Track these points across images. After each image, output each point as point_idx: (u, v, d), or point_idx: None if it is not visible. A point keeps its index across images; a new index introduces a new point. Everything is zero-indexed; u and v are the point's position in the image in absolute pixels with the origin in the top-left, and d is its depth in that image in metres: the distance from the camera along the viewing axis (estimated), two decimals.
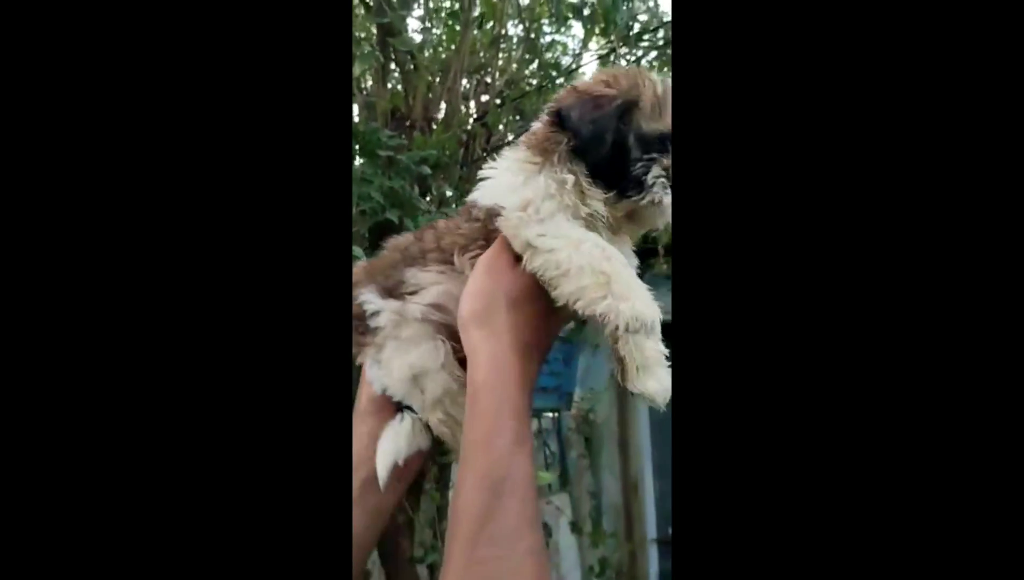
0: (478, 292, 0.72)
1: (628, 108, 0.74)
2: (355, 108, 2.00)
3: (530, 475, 0.65)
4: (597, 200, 0.74)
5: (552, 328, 0.76)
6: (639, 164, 0.73)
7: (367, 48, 1.67)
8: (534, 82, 3.00)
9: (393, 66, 2.28)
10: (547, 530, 2.02)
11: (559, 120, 0.76)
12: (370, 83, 2.13)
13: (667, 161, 0.73)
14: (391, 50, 1.99)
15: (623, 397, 3.73)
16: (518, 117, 2.76)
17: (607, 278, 0.66)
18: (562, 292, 0.68)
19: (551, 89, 2.82)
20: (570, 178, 0.73)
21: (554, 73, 2.66)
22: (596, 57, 2.78)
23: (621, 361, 0.68)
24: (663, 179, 0.72)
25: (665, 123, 0.74)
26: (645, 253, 2.97)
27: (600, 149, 0.73)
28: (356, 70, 1.59)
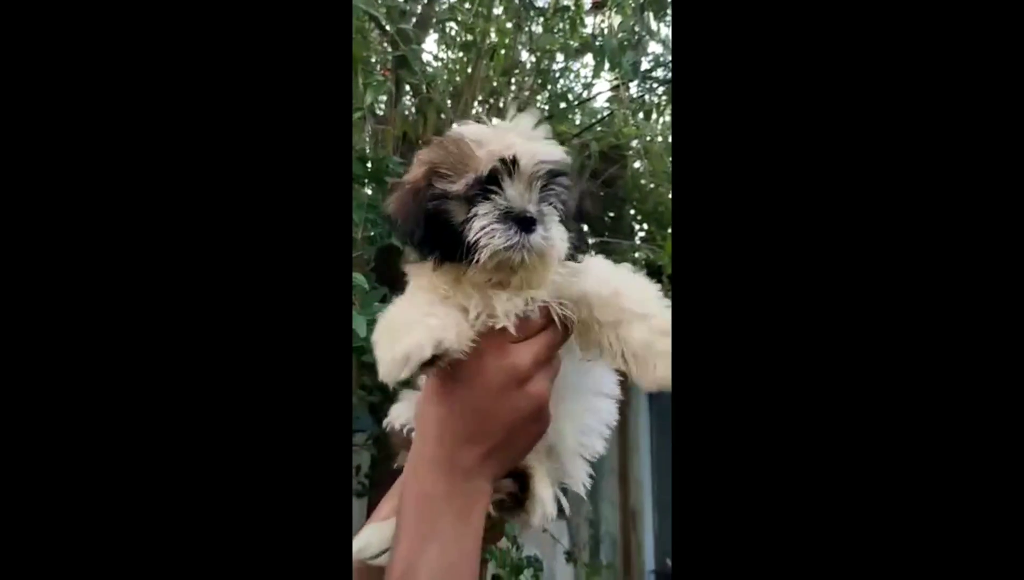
0: (423, 389, 0.76)
1: (426, 184, 0.72)
2: (366, 135, 2.03)
3: (436, 572, 0.65)
4: (446, 280, 0.72)
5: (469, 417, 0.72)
6: (464, 225, 0.69)
7: (380, 77, 1.69)
8: (546, 108, 3.03)
9: (407, 88, 2.31)
10: (540, 565, 1.99)
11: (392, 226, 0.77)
12: (382, 110, 2.16)
13: (502, 200, 0.68)
14: (404, 79, 2.02)
15: (624, 428, 3.70)
16: None
17: (388, 326, 0.68)
18: (375, 354, 0.68)
19: (562, 118, 2.85)
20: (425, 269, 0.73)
21: (564, 103, 2.68)
22: (610, 87, 2.81)
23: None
24: (490, 227, 0.67)
25: (474, 168, 0.69)
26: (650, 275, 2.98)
27: (415, 236, 0.73)
28: (368, 98, 1.61)
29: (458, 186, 0.70)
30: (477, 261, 0.67)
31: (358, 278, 1.32)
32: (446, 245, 0.70)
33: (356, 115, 1.56)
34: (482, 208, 0.68)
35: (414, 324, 0.65)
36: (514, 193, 0.68)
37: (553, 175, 0.70)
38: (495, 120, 0.76)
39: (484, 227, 0.67)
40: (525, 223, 0.67)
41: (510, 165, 0.68)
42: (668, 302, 0.71)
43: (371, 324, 1.34)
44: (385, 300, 1.43)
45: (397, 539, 0.68)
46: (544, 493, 0.82)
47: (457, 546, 0.67)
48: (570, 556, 3.11)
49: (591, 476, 0.88)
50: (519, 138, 0.70)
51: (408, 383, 0.81)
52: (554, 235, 0.68)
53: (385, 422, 0.88)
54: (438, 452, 0.69)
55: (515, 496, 0.80)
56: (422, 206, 0.71)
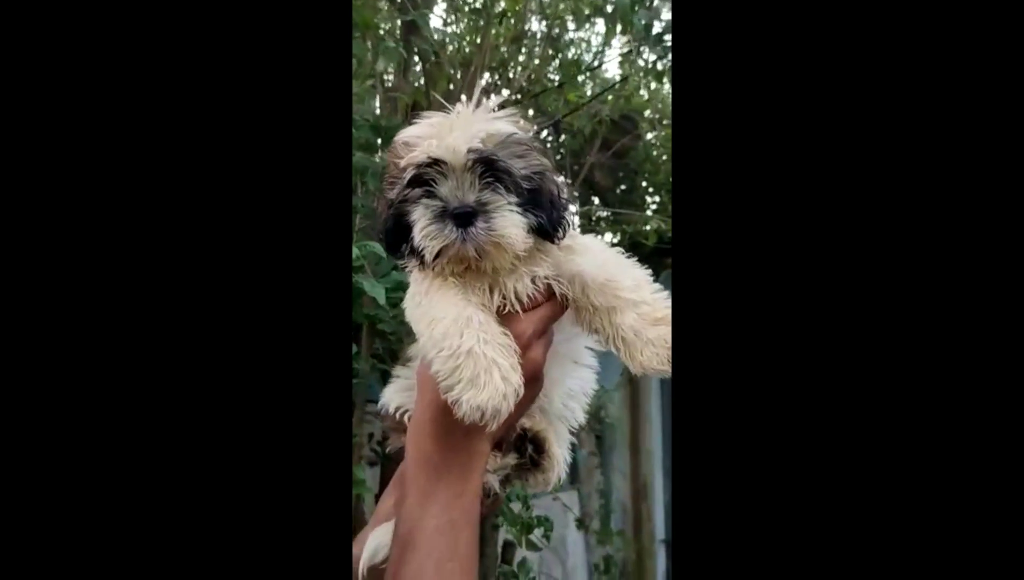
0: (421, 355, 0.78)
1: (392, 184, 0.72)
2: (377, 102, 2.02)
3: (437, 529, 0.69)
4: (428, 274, 0.73)
5: None
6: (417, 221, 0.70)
7: (391, 43, 1.68)
8: (556, 78, 3.00)
9: (416, 59, 2.29)
10: (550, 525, 2.02)
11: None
12: (392, 78, 2.14)
13: (432, 200, 0.69)
14: (414, 45, 2.00)
15: (636, 399, 3.72)
16: (538, 113, 2.76)
17: (456, 361, 0.65)
18: (432, 370, 0.68)
19: (573, 87, 2.82)
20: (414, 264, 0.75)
21: (575, 70, 2.65)
22: (619, 55, 2.77)
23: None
24: (427, 229, 0.68)
25: (411, 160, 0.69)
26: (661, 252, 2.97)
27: (385, 242, 0.75)
28: (380, 65, 1.60)
29: (394, 193, 0.71)
30: (429, 262, 0.69)
31: (374, 246, 1.32)
32: (412, 248, 0.71)
33: (367, 83, 1.55)
34: (417, 210, 0.69)
35: (479, 358, 0.65)
36: (446, 190, 0.68)
37: (488, 163, 0.69)
38: (444, 112, 0.73)
39: (422, 229, 0.68)
40: (461, 218, 0.67)
41: (436, 165, 0.68)
42: (658, 286, 0.74)
43: (388, 291, 1.35)
44: (397, 268, 1.43)
45: (401, 504, 0.72)
46: (559, 453, 0.87)
47: (458, 503, 0.71)
48: (580, 523, 3.16)
49: (598, 446, 0.92)
50: (453, 130, 0.69)
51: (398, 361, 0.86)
52: (500, 224, 0.68)
53: (380, 404, 0.88)
54: (439, 416, 0.71)
55: (532, 458, 0.84)
56: (389, 214, 0.73)
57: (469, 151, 0.68)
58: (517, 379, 0.66)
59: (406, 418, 0.81)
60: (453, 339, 0.66)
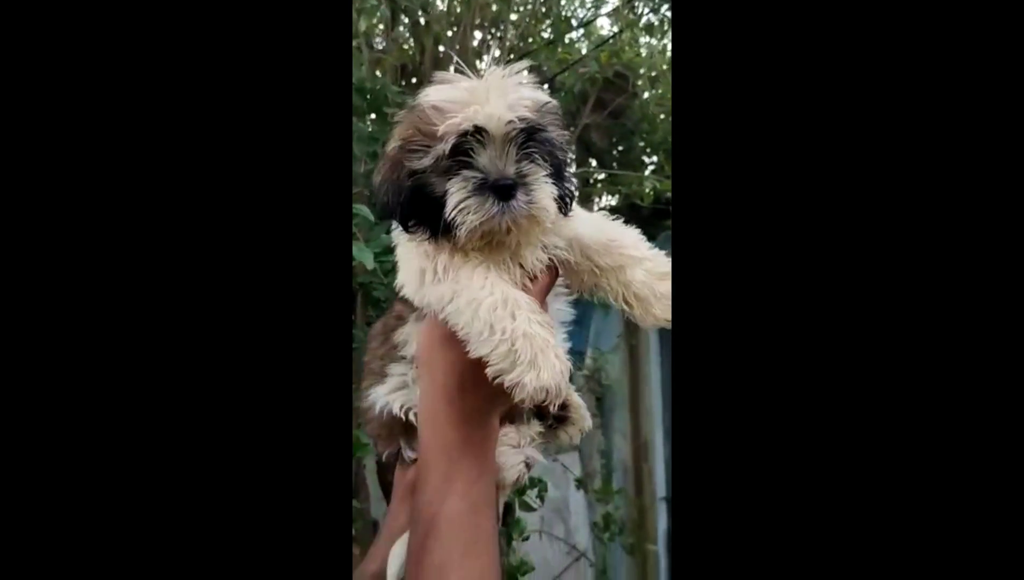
0: (422, 338, 0.77)
1: (401, 161, 0.69)
2: (362, 64, 1.97)
3: (460, 512, 0.69)
4: (440, 249, 0.70)
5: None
6: (442, 201, 0.66)
7: (373, 1, 1.63)
8: (549, 35, 2.92)
9: (403, 18, 2.23)
10: (544, 486, 2.04)
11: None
12: (378, 38, 2.08)
13: (475, 170, 0.65)
14: (401, 3, 1.95)
15: (634, 360, 3.74)
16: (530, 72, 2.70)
17: (512, 344, 0.63)
18: (477, 353, 0.65)
19: (566, 45, 2.75)
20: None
21: (567, 27, 2.58)
22: (612, 9, 2.70)
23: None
24: (465, 202, 0.65)
25: (439, 141, 0.66)
26: (658, 213, 2.94)
27: (397, 214, 0.71)
28: (362, 25, 1.55)
29: (426, 161, 0.67)
30: (459, 238, 0.66)
31: (362, 209, 1.30)
32: (431, 221, 0.67)
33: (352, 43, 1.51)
34: (455, 183, 0.65)
35: (535, 339, 0.63)
36: (486, 160, 0.65)
37: (530, 133, 0.66)
38: (467, 76, 0.70)
39: (459, 203, 0.65)
40: (503, 191, 0.64)
41: (477, 134, 0.65)
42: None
43: (377, 256, 1.33)
44: (389, 232, 1.42)
45: (421, 489, 0.72)
46: (579, 400, 0.90)
47: (477, 486, 0.72)
48: (580, 483, 3.20)
49: (598, 407, 0.93)
50: (491, 96, 0.65)
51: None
52: (539, 196, 0.66)
53: (372, 404, 0.84)
54: (456, 399, 0.72)
55: (558, 417, 0.86)
56: (402, 184, 0.69)
57: (511, 122, 0.65)
58: (565, 356, 0.66)
59: (411, 415, 0.80)
60: (505, 322, 0.64)
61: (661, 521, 3.78)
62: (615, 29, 2.80)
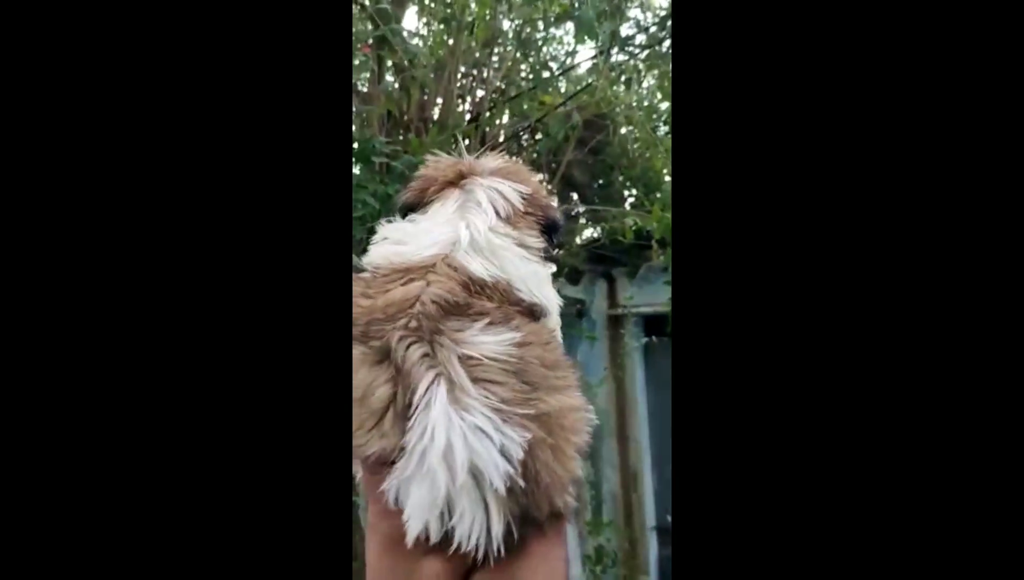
0: None
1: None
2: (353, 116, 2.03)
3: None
4: None
5: None
6: None
7: (362, 56, 1.69)
8: (530, 77, 3.02)
9: (389, 64, 2.30)
10: None
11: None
12: (364, 89, 2.15)
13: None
14: (386, 57, 2.02)
15: (621, 391, 3.77)
16: (512, 115, 2.78)
17: None
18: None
19: (547, 89, 2.84)
20: None
21: (547, 72, 2.68)
22: (592, 56, 2.80)
23: None
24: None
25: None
26: (641, 247, 3.00)
27: None
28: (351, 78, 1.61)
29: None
30: None
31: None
32: None
33: None
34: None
35: None
36: None
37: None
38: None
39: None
40: None
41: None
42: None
43: None
44: None
45: None
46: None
47: None
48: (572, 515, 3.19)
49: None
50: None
51: None
52: None
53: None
54: None
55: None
56: None
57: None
58: None
59: None
60: None
61: (652, 550, 3.78)
62: (589, 80, 2.91)
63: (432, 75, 2.47)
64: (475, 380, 0.55)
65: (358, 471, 0.64)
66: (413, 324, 0.58)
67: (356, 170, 1.70)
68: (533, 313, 0.67)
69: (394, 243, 0.69)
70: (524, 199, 0.74)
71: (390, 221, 0.74)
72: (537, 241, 0.72)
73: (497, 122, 2.67)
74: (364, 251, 0.78)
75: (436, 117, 2.42)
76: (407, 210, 0.77)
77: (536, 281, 0.69)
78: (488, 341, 0.57)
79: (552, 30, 3.09)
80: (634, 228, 2.75)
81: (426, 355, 0.56)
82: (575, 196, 3.72)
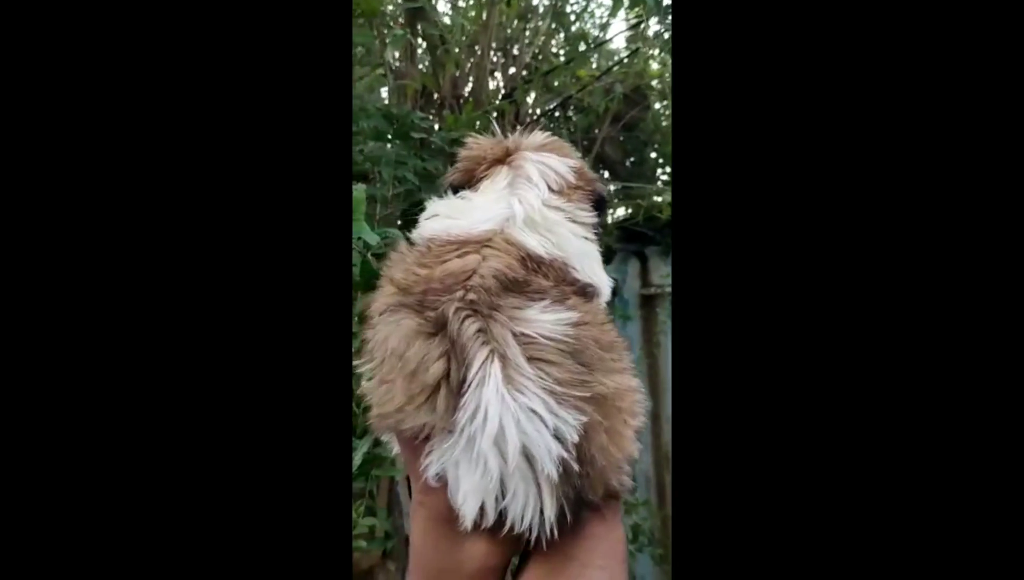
0: None
1: None
2: (385, 91, 2.02)
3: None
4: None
5: None
6: None
7: (398, 30, 1.67)
8: (563, 53, 2.97)
9: (421, 41, 2.28)
10: None
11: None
12: (400, 64, 2.13)
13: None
14: (420, 30, 1.99)
15: (655, 369, 3.75)
16: (546, 90, 2.74)
17: None
18: None
19: (582, 63, 2.79)
20: None
21: (582, 45, 2.62)
22: (626, 28, 2.73)
23: None
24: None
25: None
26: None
27: None
28: (388, 53, 1.60)
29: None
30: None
31: (393, 232, 1.34)
32: None
33: (377, 71, 1.55)
34: None
35: None
36: None
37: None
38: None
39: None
40: None
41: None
42: None
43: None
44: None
45: None
46: None
47: None
48: None
49: None
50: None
51: None
52: None
53: None
54: None
55: None
56: None
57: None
58: None
59: None
60: None
61: None
62: (625, 48, 2.84)
63: (464, 50, 2.44)
64: (530, 359, 0.53)
65: (395, 446, 0.63)
66: (471, 297, 0.56)
67: (390, 146, 1.70)
68: (586, 293, 0.65)
69: (446, 217, 0.67)
70: (574, 172, 0.71)
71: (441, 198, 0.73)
72: (589, 216, 0.70)
73: (528, 99, 2.63)
74: (402, 225, 0.76)
75: (468, 92, 2.39)
76: (455, 191, 0.75)
77: (589, 261, 0.67)
78: (545, 320, 0.56)
79: (587, 3, 3.03)
80: (669, 204, 2.70)
81: (481, 330, 0.54)
82: (606, 173, 3.67)
